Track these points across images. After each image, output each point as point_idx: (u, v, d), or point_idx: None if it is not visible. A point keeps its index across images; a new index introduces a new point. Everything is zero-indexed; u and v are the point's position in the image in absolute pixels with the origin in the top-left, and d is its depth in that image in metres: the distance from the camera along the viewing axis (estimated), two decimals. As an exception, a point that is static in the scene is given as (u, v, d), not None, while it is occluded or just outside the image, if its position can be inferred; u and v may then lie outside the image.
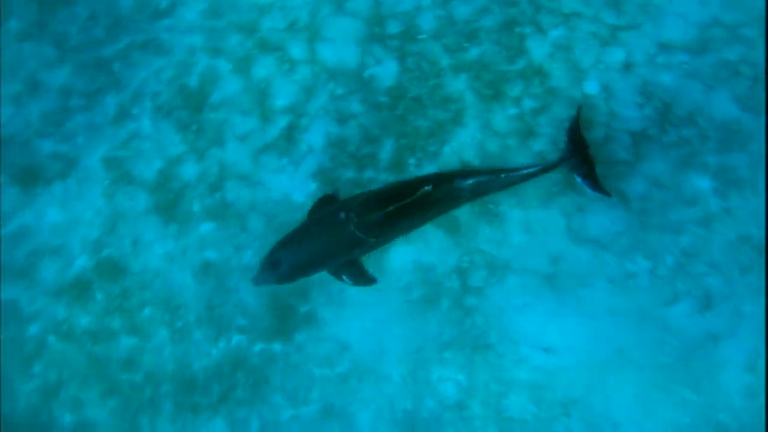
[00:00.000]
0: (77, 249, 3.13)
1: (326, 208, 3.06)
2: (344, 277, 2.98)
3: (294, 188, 3.26)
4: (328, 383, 2.88)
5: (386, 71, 3.50)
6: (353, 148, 3.33)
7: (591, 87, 3.30)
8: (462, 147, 3.26)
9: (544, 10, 3.46)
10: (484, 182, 3.05)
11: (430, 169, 3.23)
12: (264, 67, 3.52)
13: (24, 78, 3.54)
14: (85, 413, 2.81)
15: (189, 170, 3.28)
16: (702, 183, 3.02)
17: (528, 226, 3.06)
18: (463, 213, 3.13)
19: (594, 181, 3.05)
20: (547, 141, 3.14)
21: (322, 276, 3.01)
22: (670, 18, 3.37)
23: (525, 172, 3.04)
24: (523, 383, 2.78)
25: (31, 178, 3.29)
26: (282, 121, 3.42)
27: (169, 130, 3.38)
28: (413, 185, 2.97)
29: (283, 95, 3.47)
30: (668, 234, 2.95)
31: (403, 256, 3.09)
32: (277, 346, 2.93)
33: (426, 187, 2.90)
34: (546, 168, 3.03)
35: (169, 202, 3.22)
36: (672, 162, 3.08)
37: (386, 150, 3.32)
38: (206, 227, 3.18)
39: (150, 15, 3.63)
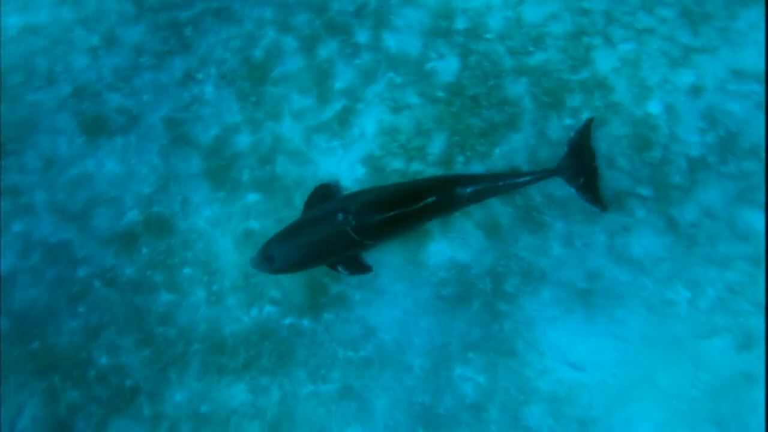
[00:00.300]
0: (130, 202, 3.23)
1: (324, 203, 3.05)
2: (339, 267, 2.99)
3: (341, 171, 3.27)
4: (350, 365, 2.91)
5: (447, 66, 3.48)
6: (404, 138, 3.32)
7: (654, 106, 3.19)
8: (512, 151, 3.21)
9: (616, 23, 3.36)
10: (481, 190, 3.04)
11: (477, 168, 3.22)
12: (328, 48, 3.54)
13: (102, 32, 3.64)
14: (119, 358, 2.92)
15: (243, 140, 3.34)
16: (757, 220, 2.89)
17: (569, 239, 3.00)
18: (505, 217, 3.09)
19: (591, 194, 3.02)
20: (599, 155, 3.07)
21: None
22: (748, 45, 3.21)
23: (521, 180, 3.05)
24: (544, 395, 2.74)
25: (96, 128, 3.40)
26: (338, 104, 3.44)
27: (230, 98, 3.44)
28: (415, 191, 2.97)
29: (342, 78, 3.49)
30: (714, 267, 2.84)
31: (441, 252, 3.08)
32: (305, 322, 2.97)
33: (430, 198, 2.92)
34: (541, 176, 3.02)
35: (220, 168, 3.29)
36: (728, 194, 2.95)
37: (436, 144, 3.30)
38: (252, 197, 3.23)
39: None
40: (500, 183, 3.02)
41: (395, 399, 2.91)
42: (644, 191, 3.00)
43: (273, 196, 3.26)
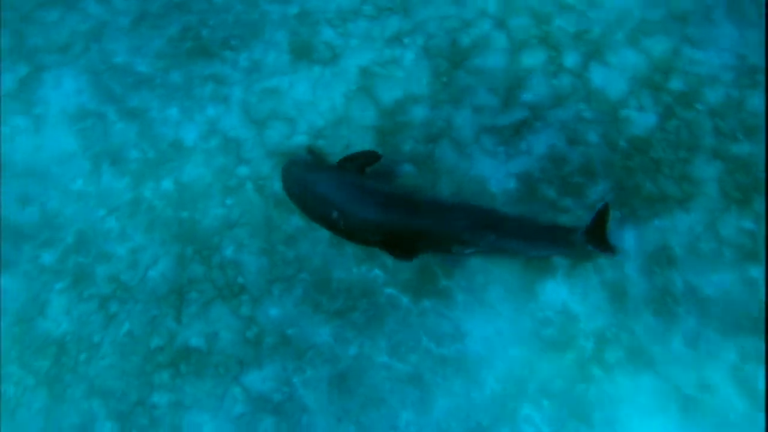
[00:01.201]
0: (303, 127, 3.37)
1: (366, 181, 2.96)
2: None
3: (494, 177, 3.18)
4: (429, 356, 2.89)
5: (643, 120, 3.22)
6: (567, 171, 3.18)
7: None
8: (671, 230, 2.94)
9: None
10: (497, 243, 2.85)
11: (628, 235, 3.01)
12: (533, 58, 3.41)
13: None
14: (241, 256, 3.12)
15: (419, 112, 3.35)
16: None
17: (695, 341, 2.72)
18: (637, 288, 2.87)
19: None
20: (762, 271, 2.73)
21: (472, 262, 3.00)
22: None
23: (546, 251, 2.85)
24: (601, 476, 2.58)
25: (302, 53, 3.55)
26: (518, 114, 3.33)
27: (424, 71, 3.45)
28: (428, 209, 2.83)
29: (533, 91, 3.35)
30: None
31: (556, 292, 2.92)
32: (404, 299, 2.98)
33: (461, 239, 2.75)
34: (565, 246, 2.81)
35: (388, 129, 3.32)
36: None
37: (596, 190, 3.10)
38: (407, 168, 3.25)
39: None
40: (515, 244, 2.82)
41: (456, 406, 2.85)
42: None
43: (423, 174, 3.24)
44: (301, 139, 3.36)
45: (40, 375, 2.87)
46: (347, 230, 2.91)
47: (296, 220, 3.23)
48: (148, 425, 2.77)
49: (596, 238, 2.85)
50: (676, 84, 3.25)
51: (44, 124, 3.41)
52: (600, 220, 2.83)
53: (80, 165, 3.31)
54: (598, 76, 3.32)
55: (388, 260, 3.13)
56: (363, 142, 3.27)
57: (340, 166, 3.07)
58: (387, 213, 2.87)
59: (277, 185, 3.24)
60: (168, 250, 3.11)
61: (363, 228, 2.89)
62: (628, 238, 3.00)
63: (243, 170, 3.27)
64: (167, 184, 3.26)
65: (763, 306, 2.81)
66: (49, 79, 3.49)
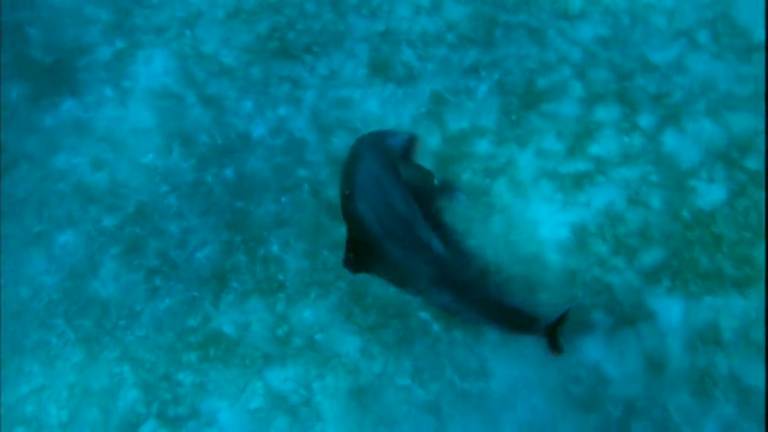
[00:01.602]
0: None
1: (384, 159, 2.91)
2: None
3: (547, 223, 3.11)
4: (450, 388, 2.82)
5: (711, 194, 3.10)
6: (623, 231, 3.03)
7: None
8: (723, 310, 2.79)
9: None
10: (452, 305, 2.71)
11: (676, 305, 2.90)
12: (607, 112, 3.33)
13: None
14: (285, 255, 3.12)
15: (483, 146, 3.31)
16: None
17: (731, 430, 2.59)
18: (678, 363, 2.73)
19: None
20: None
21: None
22: None
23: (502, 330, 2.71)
24: None
25: (379, 68, 3.55)
26: (582, 164, 3.25)
27: (495, 106, 3.42)
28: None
29: (602, 146, 3.27)
30: None
31: (592, 351, 2.82)
32: (436, 327, 2.91)
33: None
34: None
35: (449, 156, 3.29)
36: None
37: (650, 255, 2.98)
38: (461, 197, 3.18)
39: (557, 12, 3.60)
40: (470, 315, 2.72)
41: (466, 442, 2.81)
42: None
43: (476, 207, 3.20)
44: (362, 152, 3.42)
45: (81, 332, 2.97)
46: (343, 206, 2.86)
47: (345, 230, 3.26)
48: (170, 400, 2.82)
49: (552, 333, 2.74)
50: (752, 163, 3.12)
51: (129, 97, 3.56)
52: (563, 319, 2.72)
53: (153, 140, 3.44)
54: (671, 141, 3.23)
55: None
56: (423, 163, 3.28)
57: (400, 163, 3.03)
58: (376, 214, 2.81)
59: (332, 192, 3.28)
60: (218, 236, 3.18)
61: (349, 213, 2.83)
62: (675, 310, 2.88)
63: (302, 172, 3.32)
64: (229, 172, 3.35)
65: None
66: (141, 57, 3.65)
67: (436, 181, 3.08)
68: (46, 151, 3.48)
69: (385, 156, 3.07)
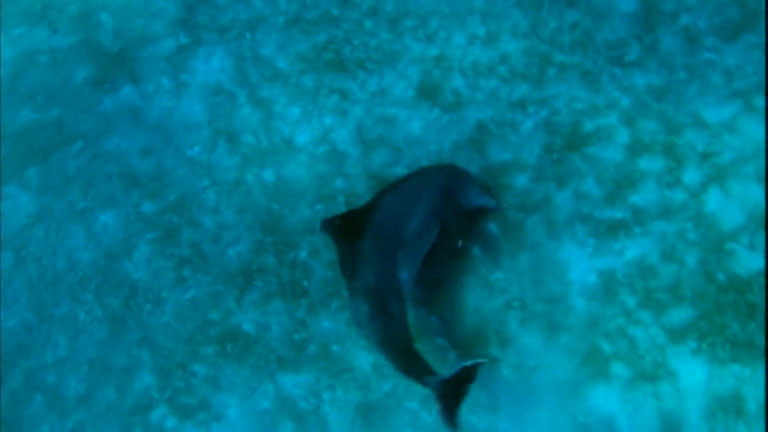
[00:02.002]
0: (405, 161, 3.36)
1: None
2: None
3: (577, 266, 3.03)
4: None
5: (750, 260, 2.95)
6: (654, 285, 2.96)
7: None
8: (749, 381, 2.66)
9: None
10: (362, 322, 2.68)
11: (701, 368, 2.80)
12: (652, 163, 3.24)
13: (491, 28, 3.74)
14: (312, 261, 3.14)
15: (521, 181, 3.27)
16: None
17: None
18: (694, 429, 2.65)
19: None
20: None
21: (529, 342, 2.86)
22: None
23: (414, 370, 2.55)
24: None
25: (428, 93, 3.54)
26: (620, 212, 3.13)
27: (538, 143, 3.38)
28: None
29: (642, 195, 3.16)
30: None
31: (606, 401, 2.73)
32: (451, 355, 2.88)
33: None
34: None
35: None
36: None
37: (679, 314, 2.88)
38: (492, 228, 3.14)
39: (613, 58, 3.51)
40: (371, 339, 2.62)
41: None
42: None
43: (506, 240, 3.14)
44: (400, 171, 3.41)
45: (109, 311, 3.05)
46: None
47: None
48: (183, 390, 2.86)
49: (448, 400, 2.50)
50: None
51: (185, 90, 3.67)
52: (461, 383, 2.51)
53: (201, 135, 3.53)
54: (714, 201, 3.14)
55: (447, 311, 3.11)
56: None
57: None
58: (385, 217, 2.80)
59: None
60: (250, 235, 3.23)
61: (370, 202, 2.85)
62: (698, 373, 2.78)
63: (339, 183, 3.35)
64: (269, 174, 3.40)
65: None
66: (201, 53, 3.76)
67: (459, 243, 3.03)
68: (100, 133, 3.61)
69: (443, 202, 2.98)
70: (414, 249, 2.83)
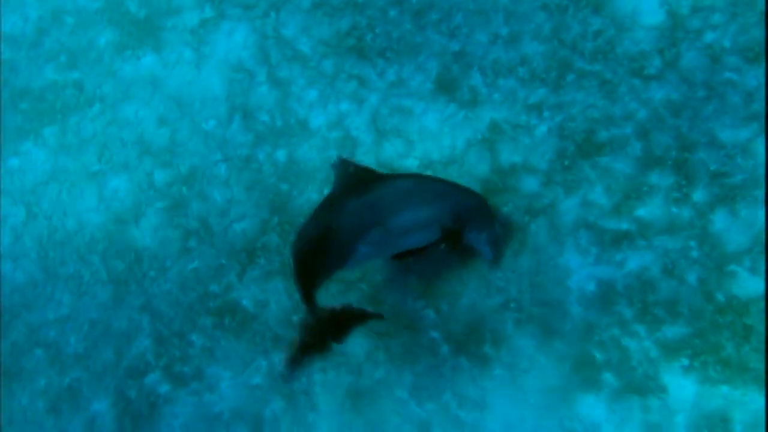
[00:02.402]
0: (417, 153, 3.39)
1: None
2: None
3: (577, 273, 3.01)
4: (444, 412, 2.79)
5: (750, 283, 2.90)
6: (652, 299, 2.91)
7: None
8: (739, 403, 2.66)
9: None
10: None
11: (690, 385, 2.79)
12: (661, 178, 3.20)
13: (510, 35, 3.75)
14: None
15: (530, 184, 3.27)
16: None
17: None
18: (676, 445, 2.66)
19: None
20: None
21: (524, 344, 2.88)
22: None
23: None
24: None
25: (446, 87, 3.54)
26: (625, 224, 3.12)
27: (550, 148, 3.35)
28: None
29: (649, 209, 3.13)
30: None
31: (593, 409, 2.74)
32: (444, 349, 2.91)
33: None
34: None
35: (493, 186, 3.27)
36: None
37: (673, 330, 2.87)
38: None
39: (634, 70, 3.40)
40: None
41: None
42: None
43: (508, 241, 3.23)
44: (411, 163, 3.41)
45: (113, 274, 3.09)
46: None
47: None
48: (178, 358, 2.90)
49: (309, 337, 2.45)
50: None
51: (205, 63, 3.67)
52: (333, 325, 2.49)
53: (218, 109, 3.54)
54: (721, 221, 3.11)
55: (444, 305, 3.12)
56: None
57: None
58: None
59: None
60: (257, 213, 3.25)
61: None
62: (687, 391, 2.78)
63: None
64: (281, 154, 3.41)
65: None
66: (225, 28, 3.75)
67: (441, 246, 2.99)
68: (119, 99, 3.63)
69: (452, 219, 2.92)
70: (390, 237, 2.71)
